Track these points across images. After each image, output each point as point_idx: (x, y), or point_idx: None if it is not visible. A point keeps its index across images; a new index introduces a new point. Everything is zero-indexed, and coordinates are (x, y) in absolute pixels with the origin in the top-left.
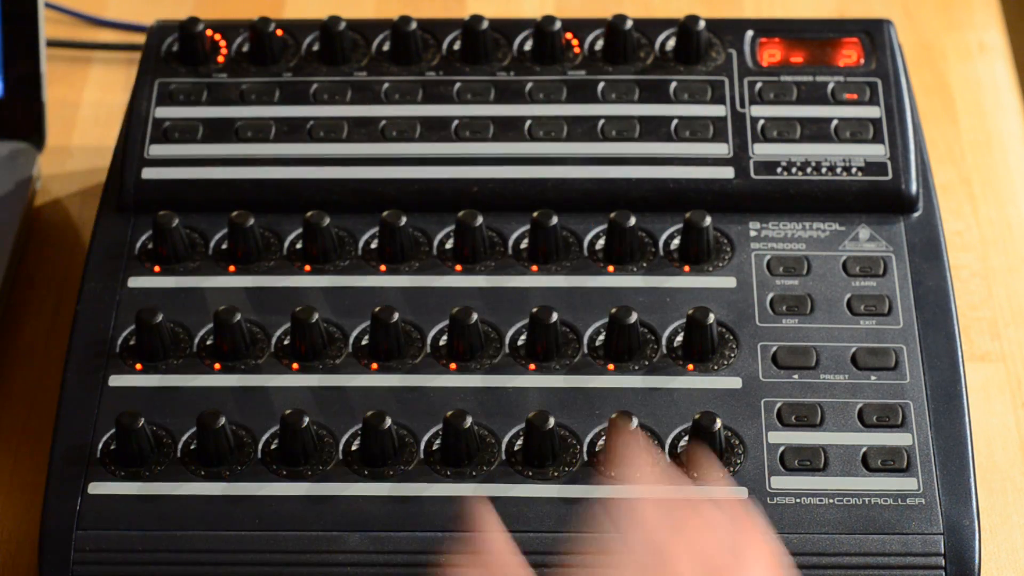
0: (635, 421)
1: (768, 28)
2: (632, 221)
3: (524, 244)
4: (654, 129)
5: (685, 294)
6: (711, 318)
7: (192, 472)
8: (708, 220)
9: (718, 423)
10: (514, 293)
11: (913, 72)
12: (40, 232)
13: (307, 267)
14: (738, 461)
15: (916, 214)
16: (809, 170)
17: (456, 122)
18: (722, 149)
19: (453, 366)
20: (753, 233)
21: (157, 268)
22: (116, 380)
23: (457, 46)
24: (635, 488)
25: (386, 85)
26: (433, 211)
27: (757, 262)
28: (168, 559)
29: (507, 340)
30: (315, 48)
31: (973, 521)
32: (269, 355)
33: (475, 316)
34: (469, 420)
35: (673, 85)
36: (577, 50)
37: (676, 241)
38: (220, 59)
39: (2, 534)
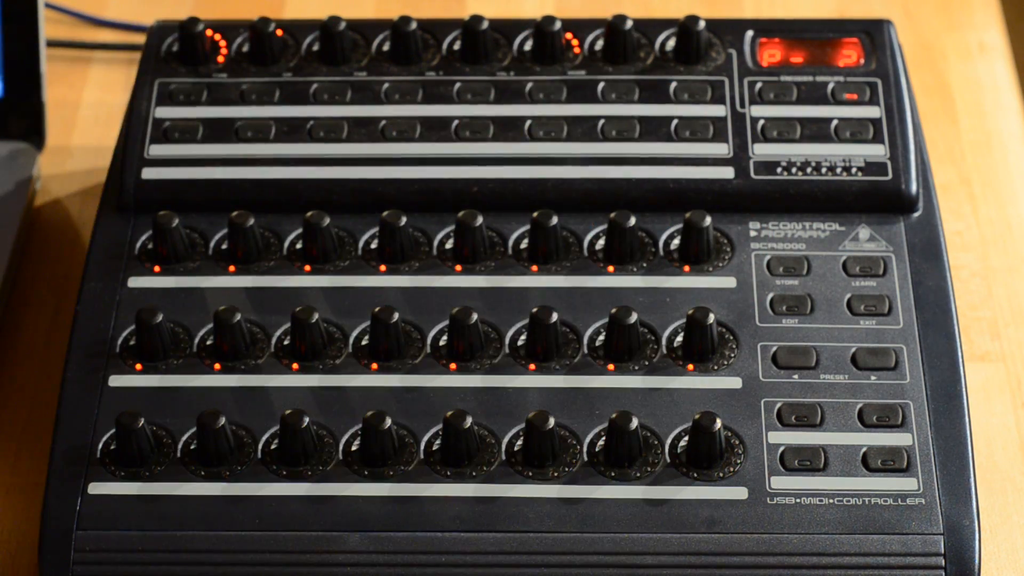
0: (635, 421)
1: (768, 28)
2: (632, 221)
3: (524, 244)
4: (654, 129)
5: (685, 294)
6: (711, 318)
7: (192, 472)
8: (708, 220)
9: (718, 423)
10: (514, 293)
11: (913, 72)
12: (40, 232)
13: (307, 267)
14: (738, 461)
15: (916, 214)
16: (809, 170)
17: (456, 122)
18: (722, 149)
19: (453, 366)
20: (753, 233)
21: (157, 268)
22: (116, 380)
23: (457, 46)
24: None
25: (386, 85)
26: (433, 211)
27: (757, 262)
28: (168, 559)
29: (507, 340)
30: (315, 48)
31: (973, 521)
32: (269, 355)
33: (475, 316)
34: (469, 420)
35: (673, 85)
36: (577, 50)
37: (676, 241)
38: (220, 59)
39: (2, 534)
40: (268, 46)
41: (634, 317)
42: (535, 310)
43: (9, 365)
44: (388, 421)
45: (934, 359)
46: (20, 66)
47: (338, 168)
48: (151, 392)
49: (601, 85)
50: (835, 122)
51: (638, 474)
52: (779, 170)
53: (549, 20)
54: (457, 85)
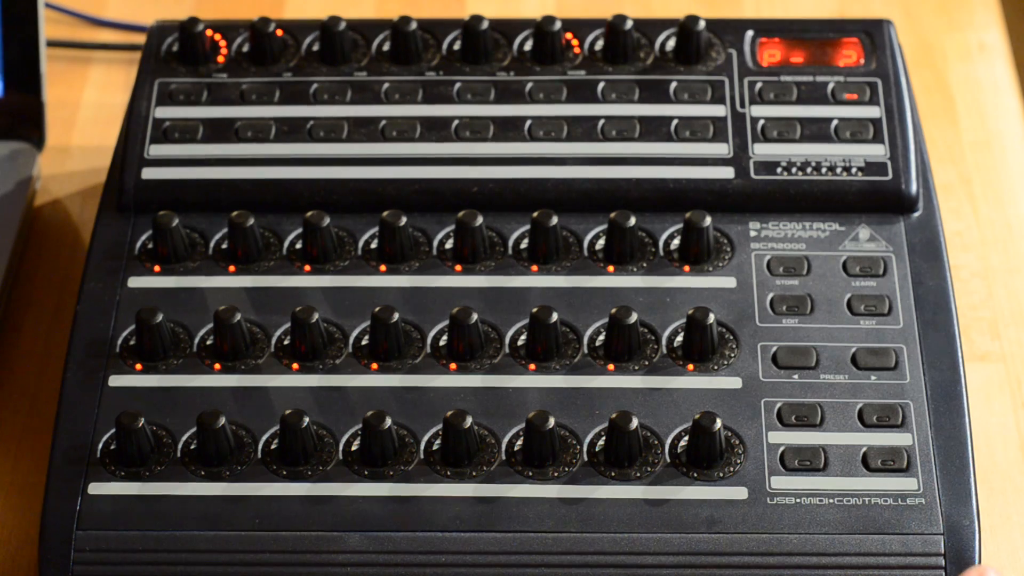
0: (635, 421)
1: (768, 28)
2: (632, 221)
3: (524, 244)
4: (654, 129)
5: (685, 294)
6: (711, 318)
7: (192, 472)
8: (708, 220)
9: (718, 423)
10: (514, 293)
11: (913, 72)
12: (40, 232)
13: (307, 267)
14: (738, 461)
15: (916, 214)
16: (809, 170)
17: (456, 122)
18: (722, 149)
19: (453, 366)
20: (753, 233)
21: (157, 268)
22: (116, 380)
23: (457, 46)
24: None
25: (386, 85)
26: (433, 211)
27: (757, 262)
28: (168, 559)
29: (507, 340)
30: (315, 48)
31: (973, 521)
32: (269, 355)
33: (475, 316)
34: (469, 420)
35: (673, 85)
36: (577, 50)
37: (676, 241)
38: (220, 59)
39: (2, 534)
40: (268, 46)
41: (634, 317)
42: (535, 310)
43: (9, 365)
44: (388, 421)
45: (934, 359)
46: (20, 66)
47: (338, 168)
48: (151, 392)
49: (601, 85)
50: (835, 122)
51: (638, 474)
52: (779, 170)
53: (549, 20)
54: (457, 85)
